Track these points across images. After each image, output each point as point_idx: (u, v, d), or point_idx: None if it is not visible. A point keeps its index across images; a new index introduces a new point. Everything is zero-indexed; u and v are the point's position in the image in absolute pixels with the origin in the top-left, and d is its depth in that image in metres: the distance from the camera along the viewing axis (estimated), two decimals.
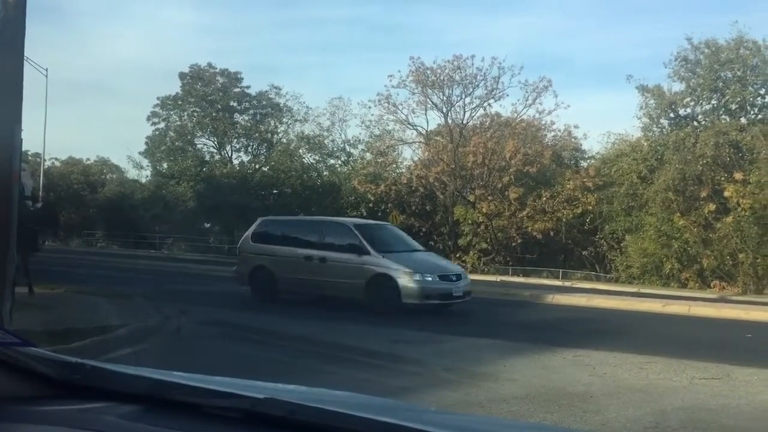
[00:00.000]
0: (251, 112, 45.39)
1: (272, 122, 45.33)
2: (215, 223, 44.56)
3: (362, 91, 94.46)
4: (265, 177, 42.96)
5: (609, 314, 14.65)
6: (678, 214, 28.15)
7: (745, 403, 6.16)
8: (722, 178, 27.60)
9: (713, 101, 31.01)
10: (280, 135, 45.59)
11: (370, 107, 37.99)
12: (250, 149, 46.03)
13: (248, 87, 44.93)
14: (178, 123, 45.78)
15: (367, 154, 42.08)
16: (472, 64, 34.44)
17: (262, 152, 45.70)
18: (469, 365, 7.54)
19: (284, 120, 44.97)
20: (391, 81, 35.63)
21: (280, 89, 44.56)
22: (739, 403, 6.16)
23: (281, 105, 44.69)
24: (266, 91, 44.66)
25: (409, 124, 37.48)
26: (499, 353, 8.28)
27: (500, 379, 6.88)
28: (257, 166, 44.62)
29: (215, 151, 46.40)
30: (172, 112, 45.80)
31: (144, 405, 1.43)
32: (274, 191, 41.93)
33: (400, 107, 36.47)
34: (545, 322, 12.78)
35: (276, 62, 74.27)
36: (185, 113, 45.58)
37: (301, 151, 43.75)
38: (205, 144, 46.46)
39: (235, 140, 45.77)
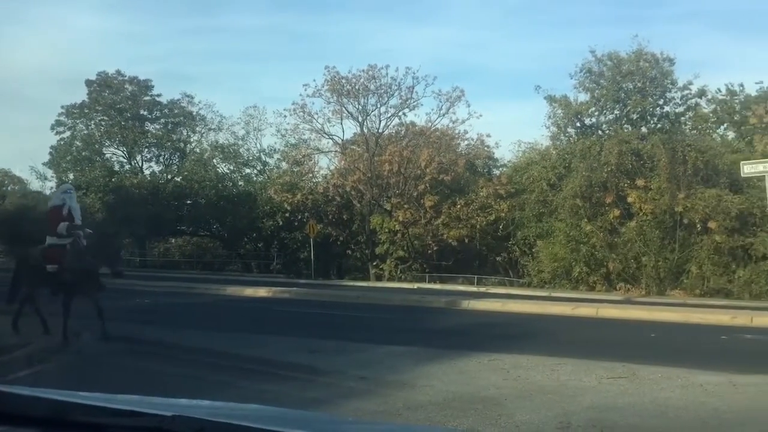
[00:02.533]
0: (162, 120, 44.20)
1: (185, 131, 44.31)
2: (126, 235, 43.09)
3: (277, 100, 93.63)
4: (178, 187, 41.91)
5: (522, 318, 15.02)
6: (585, 220, 29.20)
7: (650, 400, 6.43)
8: (625, 185, 28.83)
9: (616, 111, 32.40)
10: (193, 144, 44.65)
11: (285, 116, 37.79)
12: (161, 159, 44.82)
13: (159, 95, 43.77)
14: (85, 132, 44.08)
15: (283, 164, 41.75)
16: (387, 74, 34.80)
17: (174, 162, 44.60)
18: (386, 374, 7.56)
19: (197, 129, 44.06)
20: (306, 90, 35.54)
21: (192, 98, 43.63)
22: (644, 400, 6.43)
23: (194, 114, 43.74)
24: (178, 100, 43.62)
25: (325, 133, 37.46)
26: (415, 360, 8.35)
27: (417, 386, 6.93)
28: (169, 176, 43.48)
29: (125, 160, 44.91)
30: (78, 121, 44.03)
31: (43, 428, 1.36)
32: (188, 201, 40.97)
33: (315, 116, 36.41)
34: (461, 327, 12.99)
35: (188, 70, 72.86)
36: (92, 122, 43.93)
37: (215, 160, 42.99)
38: (114, 153, 44.91)
39: (146, 150, 44.45)
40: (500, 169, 39.03)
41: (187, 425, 1.27)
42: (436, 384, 6.98)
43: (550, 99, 33.05)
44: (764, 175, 17.00)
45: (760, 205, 24.34)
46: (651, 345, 10.92)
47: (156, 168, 44.54)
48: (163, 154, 44.53)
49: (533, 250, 32.11)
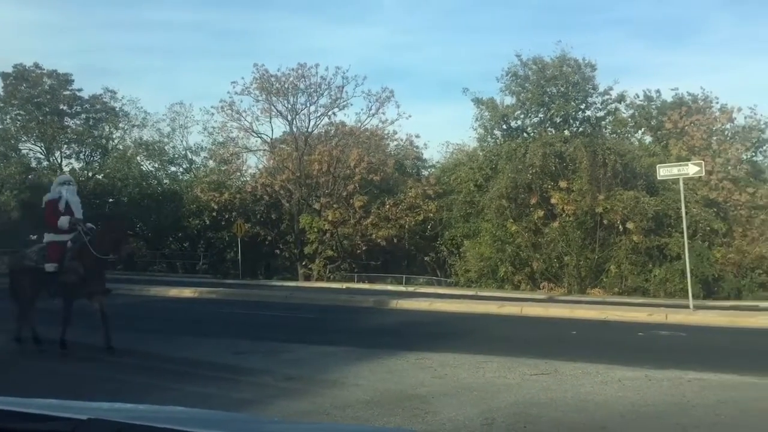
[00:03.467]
0: (83, 116, 42.64)
1: (107, 127, 42.87)
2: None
3: (205, 97, 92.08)
4: (99, 185, 40.57)
5: (450, 317, 15.22)
6: (511, 220, 29.85)
7: (571, 396, 6.63)
8: (549, 186, 29.62)
9: (540, 114, 33.19)
10: (115, 141, 43.28)
11: (213, 114, 37.16)
12: (82, 155, 43.24)
13: (80, 90, 42.20)
14: (0, 127, 42.15)
15: (210, 162, 41.04)
16: (317, 73, 34.69)
17: (96, 159, 43.12)
18: (314, 373, 7.53)
19: (120, 125, 42.69)
20: (234, 88, 35.06)
21: (115, 93, 42.26)
22: (565, 396, 6.61)
23: (117, 109, 42.38)
24: (100, 95, 42.17)
25: (253, 131, 37.02)
26: (344, 360, 8.34)
27: (345, 385, 6.93)
28: (91, 174, 42.03)
29: (43, 157, 43.08)
30: None
31: None
32: (110, 200, 39.70)
33: (244, 114, 35.95)
34: (390, 327, 13.06)
35: (111, 65, 70.66)
36: (8, 116, 42.00)
37: (139, 158, 41.83)
38: (31, 150, 43.02)
39: (66, 146, 42.76)
40: (429, 169, 39.50)
41: (103, 429, 1.23)
42: (364, 383, 6.99)
43: (478, 101, 33.61)
44: (679, 179, 17.73)
45: (674, 207, 25.42)
46: (572, 342, 11.24)
47: (76, 165, 42.93)
48: (83, 150, 42.97)
49: (460, 249, 32.61)
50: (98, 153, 42.91)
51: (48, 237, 9.57)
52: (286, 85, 34.94)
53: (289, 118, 35.84)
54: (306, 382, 7.11)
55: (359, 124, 36.06)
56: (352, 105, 35.69)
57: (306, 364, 8.05)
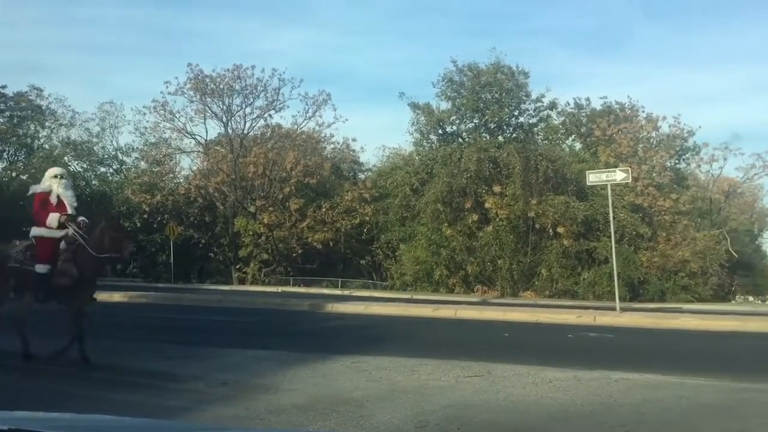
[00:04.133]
0: (7, 114, 41.01)
1: (32, 126, 41.39)
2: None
3: (137, 96, 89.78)
4: (24, 185, 39.00)
5: (385, 320, 15.27)
6: (446, 224, 30.21)
7: (503, 397, 6.74)
8: (483, 191, 30.12)
9: (475, 120, 33.76)
10: (41, 140, 41.83)
11: (145, 114, 36.37)
12: (6, 155, 41.61)
13: (4, 86, 40.57)
14: None
15: (142, 163, 40.09)
16: (253, 75, 34.38)
17: (20, 159, 41.54)
18: (248, 378, 7.44)
19: (47, 124, 41.30)
20: (168, 88, 34.43)
21: (41, 90, 40.83)
22: (497, 397, 6.72)
23: (43, 108, 40.97)
24: (25, 92, 40.64)
25: (187, 132, 36.39)
26: (279, 364, 8.26)
27: (280, 390, 6.87)
28: (14, 174, 40.43)
29: None
30: None
31: None
32: None
33: (177, 115, 35.32)
34: (325, 330, 13.02)
35: (37, 61, 68.17)
36: None
37: (66, 158, 40.47)
38: None
39: None
40: (365, 173, 39.63)
41: None
42: (298, 387, 6.95)
43: (414, 106, 33.93)
44: (607, 184, 18.28)
45: (603, 212, 26.18)
46: (505, 344, 11.45)
47: None
48: (7, 149, 41.34)
49: (396, 253, 32.81)
50: (23, 152, 41.38)
51: (36, 232, 8.54)
52: (221, 86, 34.51)
53: (224, 119, 35.41)
54: (239, 387, 7.02)
55: (296, 127, 35.92)
56: (288, 107, 35.63)
57: (240, 369, 7.94)
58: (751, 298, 41.08)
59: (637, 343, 12.38)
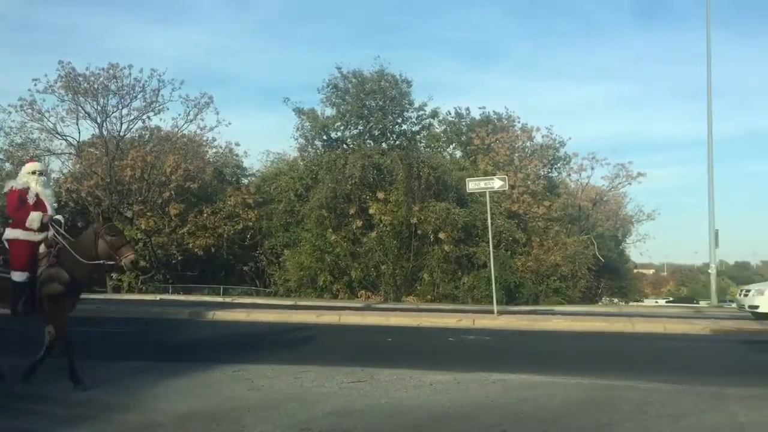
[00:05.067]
0: None
1: None
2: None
3: (1, 94, 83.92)
4: None
5: (268, 327, 15.08)
6: (330, 230, 30.24)
7: (385, 401, 6.83)
8: (367, 197, 30.39)
9: (360, 127, 34.02)
10: None
11: (10, 113, 34.00)
12: None
13: None
14: None
15: (7, 165, 37.46)
16: (130, 75, 33.00)
17: None
18: (118, 394, 7.07)
19: None
20: (36, 85, 32.39)
21: None
22: (380, 402, 6.80)
23: None
24: None
25: (57, 133, 34.38)
26: (155, 376, 7.97)
27: (155, 404, 6.63)
28: None
29: None
30: None
31: None
32: None
33: (47, 114, 33.30)
34: (206, 339, 12.69)
35: None
36: None
37: None
38: None
39: None
40: (249, 178, 38.99)
41: None
42: (176, 400, 6.73)
43: (299, 111, 33.77)
44: (485, 192, 18.93)
45: (481, 218, 27.07)
46: (388, 349, 11.60)
47: None
48: None
49: (280, 259, 32.49)
50: None
51: (11, 234, 7.56)
52: (95, 86, 32.90)
53: (99, 120, 33.76)
54: (107, 405, 6.67)
55: (176, 130, 34.80)
56: (168, 109, 34.37)
57: (111, 383, 7.57)
58: (616, 300, 43.77)
59: (513, 344, 12.90)
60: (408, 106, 34.22)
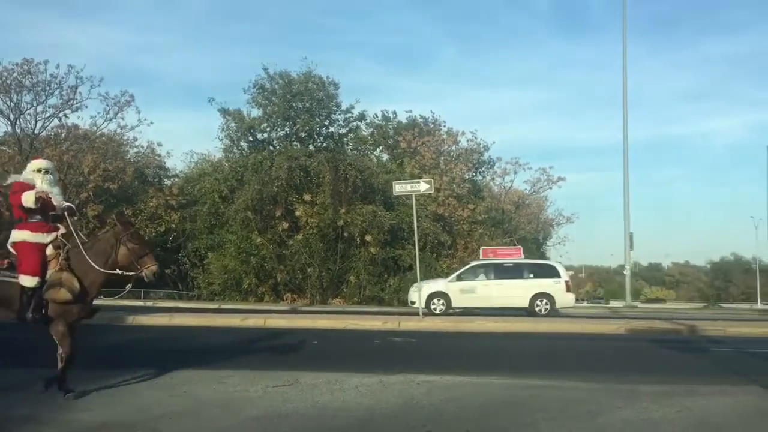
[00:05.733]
0: None
1: None
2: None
3: None
4: None
5: (191, 332, 14.78)
6: (256, 232, 29.88)
7: (310, 405, 6.80)
8: (294, 199, 30.20)
9: (286, 128, 33.78)
10: None
11: None
12: None
13: None
14: None
15: None
16: (46, 70, 31.70)
17: None
18: (22, 406, 6.79)
19: None
20: None
21: None
22: (305, 405, 6.77)
23: None
24: None
25: None
26: (71, 383, 7.69)
27: (74, 410, 6.40)
28: None
29: None
30: None
31: None
32: None
33: None
34: (125, 345, 12.31)
35: None
36: None
37: None
38: None
39: None
40: (172, 179, 38.09)
41: None
42: (93, 408, 6.52)
43: (224, 112, 33.29)
44: (411, 195, 19.13)
45: (407, 220, 27.31)
46: (314, 352, 11.55)
47: None
48: None
49: (204, 262, 31.88)
50: None
51: (18, 235, 7.11)
52: (8, 81, 31.45)
53: (12, 117, 32.28)
54: (17, 414, 6.41)
55: (95, 128, 33.62)
56: (87, 107, 33.16)
57: (14, 393, 7.26)
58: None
59: (437, 346, 13.06)
60: (335, 109, 34.21)
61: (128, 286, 7.39)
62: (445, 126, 37.50)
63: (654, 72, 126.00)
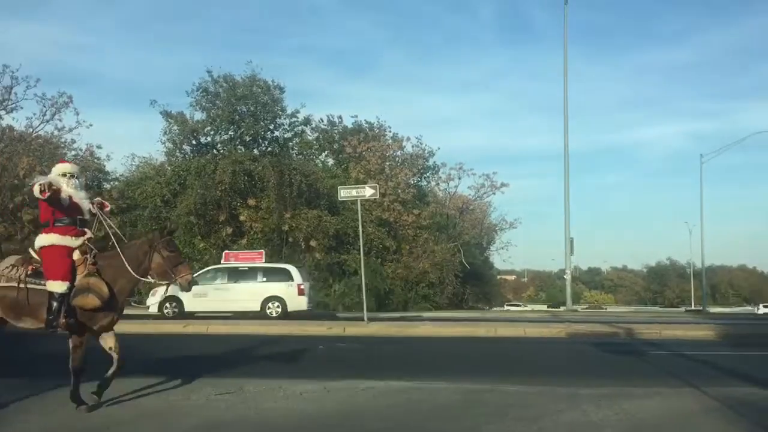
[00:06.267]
0: None
1: None
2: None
3: None
4: None
5: (131, 339, 14.16)
6: (199, 237, 29.44)
7: (254, 413, 6.73)
8: (238, 204, 29.86)
9: (231, 132, 33.42)
10: None
11: None
12: None
13: None
14: None
15: None
16: None
17: None
18: None
19: None
20: None
21: None
22: (248, 413, 6.70)
23: None
24: None
25: None
26: (5, 393, 7.43)
27: (9, 419, 6.20)
28: None
29: None
30: None
31: None
32: None
33: None
34: (60, 353, 11.92)
35: None
36: None
37: None
38: None
39: None
40: (112, 183, 37.12)
41: None
42: (29, 420, 6.32)
43: (167, 114, 32.72)
44: (357, 200, 19.15)
45: (353, 225, 27.34)
46: (258, 359, 11.43)
47: None
48: None
49: None
50: None
51: (45, 239, 6.81)
52: None
53: None
54: None
55: (31, 130, 32.59)
56: (22, 108, 32.12)
57: None
58: (480, 305, 45.55)
59: (382, 351, 13.10)
60: (280, 113, 34.02)
61: (160, 291, 7.27)
62: (390, 131, 37.72)
63: (595, 80, 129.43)
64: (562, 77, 33.23)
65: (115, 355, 6.97)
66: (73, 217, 6.91)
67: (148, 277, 6.95)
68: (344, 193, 19.21)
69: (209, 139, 33.97)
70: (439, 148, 43.59)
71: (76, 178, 7.19)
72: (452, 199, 43.41)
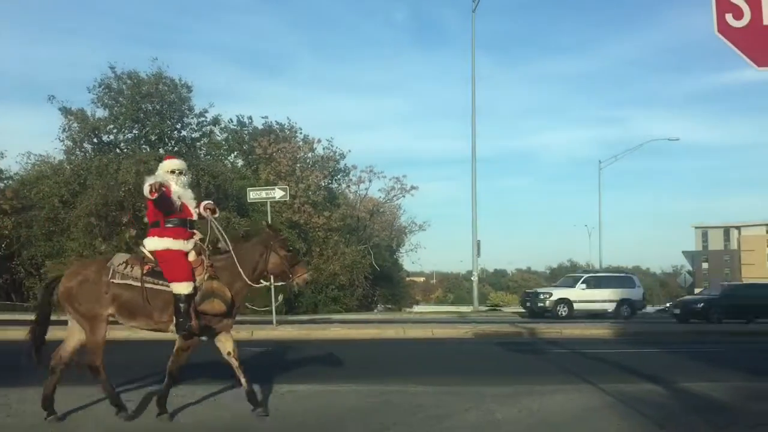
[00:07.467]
0: None
1: None
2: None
3: None
4: None
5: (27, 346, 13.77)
6: (100, 239, 28.39)
7: (165, 420, 6.62)
8: (143, 205, 28.94)
9: (135, 131, 32.40)
10: None
11: None
12: None
13: None
14: None
15: None
16: None
17: None
18: None
19: None
20: None
21: None
22: (155, 422, 6.58)
23: None
24: None
25: None
26: None
27: None
28: None
29: None
30: None
31: None
32: None
33: None
34: None
35: None
36: None
37: None
38: None
39: None
40: (5, 182, 35.24)
41: None
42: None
43: (66, 111, 31.38)
44: (267, 201, 19.01)
45: (262, 227, 27.04)
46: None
47: None
48: None
49: (41, 270, 29.80)
50: None
51: (158, 243, 6.51)
52: None
53: None
54: None
55: None
56: None
57: None
58: (389, 307, 46.00)
59: (293, 354, 13.07)
60: (188, 112, 33.28)
61: (280, 297, 7.23)
62: (301, 133, 37.52)
63: (502, 87, 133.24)
64: (470, 83, 34.07)
65: (234, 362, 6.91)
66: (182, 218, 6.73)
67: (261, 281, 6.95)
68: (254, 194, 19.03)
69: (112, 137, 32.83)
70: (350, 151, 43.65)
71: (184, 174, 7.02)
72: (363, 201, 43.62)
